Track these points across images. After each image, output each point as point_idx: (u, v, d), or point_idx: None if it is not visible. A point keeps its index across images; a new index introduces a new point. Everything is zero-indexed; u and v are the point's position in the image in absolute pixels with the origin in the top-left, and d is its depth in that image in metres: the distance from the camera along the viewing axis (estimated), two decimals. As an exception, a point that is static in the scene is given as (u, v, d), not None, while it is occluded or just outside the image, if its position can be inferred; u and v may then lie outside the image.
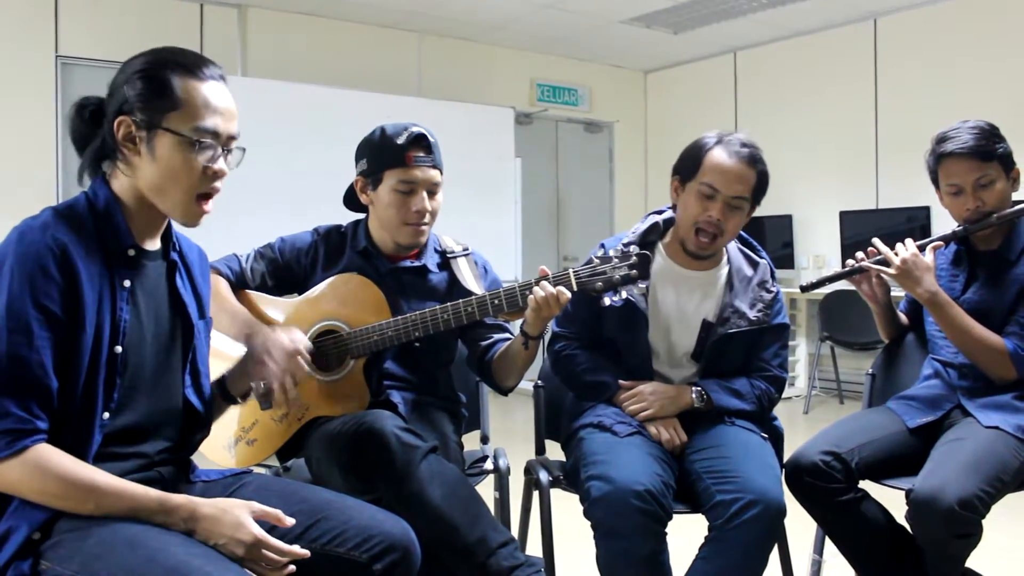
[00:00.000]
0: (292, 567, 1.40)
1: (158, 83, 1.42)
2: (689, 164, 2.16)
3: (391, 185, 2.12)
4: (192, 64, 1.45)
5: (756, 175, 2.13)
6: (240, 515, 1.38)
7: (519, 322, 2.08)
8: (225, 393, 1.72)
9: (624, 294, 1.96)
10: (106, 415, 1.42)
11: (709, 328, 2.19)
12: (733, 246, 2.28)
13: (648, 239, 2.23)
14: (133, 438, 1.49)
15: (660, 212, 2.29)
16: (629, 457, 1.95)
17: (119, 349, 1.43)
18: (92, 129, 1.48)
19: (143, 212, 1.48)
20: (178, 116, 1.42)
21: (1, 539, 1.34)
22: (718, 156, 2.11)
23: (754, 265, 2.26)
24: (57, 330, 1.35)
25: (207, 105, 1.44)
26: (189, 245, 1.67)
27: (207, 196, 1.48)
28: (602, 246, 2.06)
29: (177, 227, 1.61)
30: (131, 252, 1.47)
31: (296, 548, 1.41)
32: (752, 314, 2.18)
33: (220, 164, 1.47)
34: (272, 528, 1.44)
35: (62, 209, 1.43)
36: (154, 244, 1.54)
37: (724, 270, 2.24)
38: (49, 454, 1.33)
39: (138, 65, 1.45)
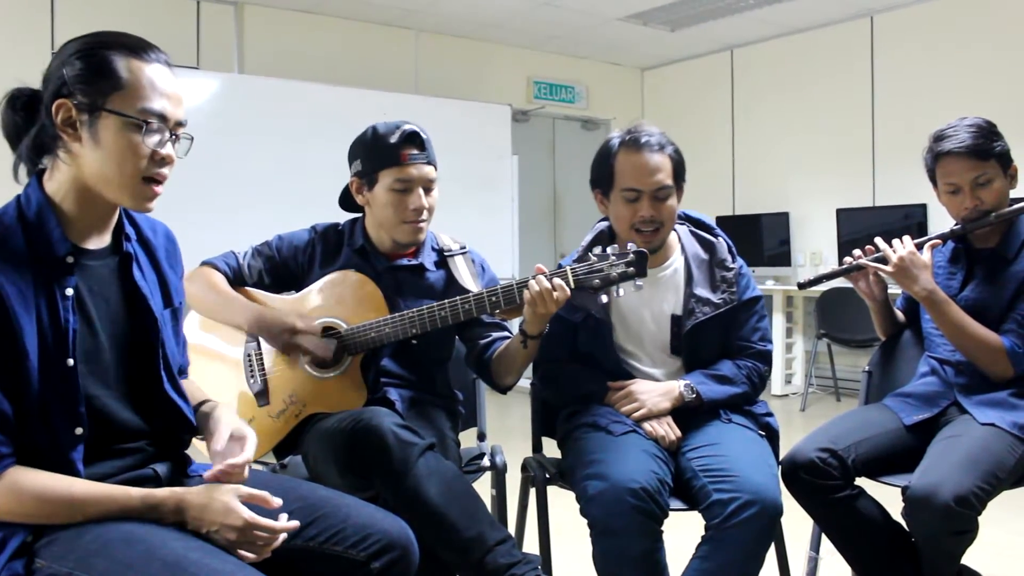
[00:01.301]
0: (283, 535, 1.39)
1: (99, 63, 1.34)
2: (603, 175, 2.19)
3: (387, 185, 2.11)
4: (135, 45, 1.38)
5: (669, 159, 2.14)
6: (228, 500, 1.37)
7: (517, 321, 2.08)
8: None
9: (621, 291, 1.96)
10: (79, 430, 1.37)
11: (678, 322, 2.18)
12: (685, 232, 2.28)
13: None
14: (118, 439, 1.46)
15: (605, 219, 2.30)
16: (625, 455, 1.95)
17: (71, 362, 1.35)
18: (26, 121, 1.39)
19: (87, 209, 1.40)
20: (122, 97, 1.34)
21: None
22: (626, 158, 2.14)
23: (709, 247, 2.24)
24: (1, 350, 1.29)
25: (153, 86, 1.36)
26: (153, 227, 1.58)
27: (155, 180, 1.40)
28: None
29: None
30: (69, 259, 1.38)
31: (285, 523, 1.39)
32: (716, 298, 2.18)
33: (168, 149, 1.40)
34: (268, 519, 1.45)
35: None
36: (102, 241, 1.45)
37: (679, 260, 2.24)
38: (21, 476, 1.31)
39: (76, 47, 1.37)
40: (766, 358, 2.24)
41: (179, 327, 1.63)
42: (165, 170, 1.41)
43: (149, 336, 1.50)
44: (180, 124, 1.42)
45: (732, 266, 2.22)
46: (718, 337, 2.21)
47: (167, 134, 1.40)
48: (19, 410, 1.32)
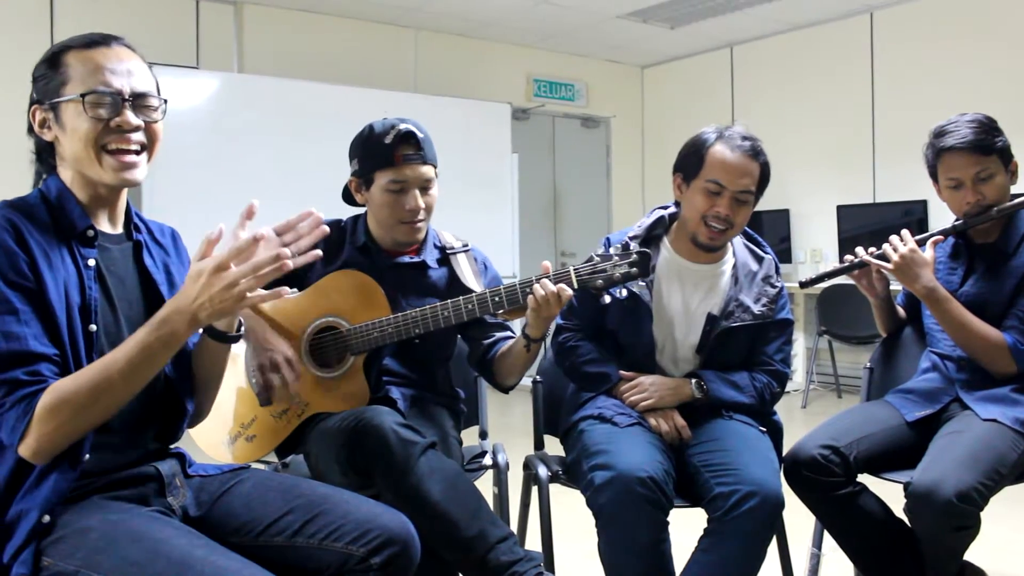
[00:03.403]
0: (285, 257, 1.34)
1: (53, 64, 1.46)
2: (692, 161, 2.16)
3: (382, 185, 2.10)
4: (86, 39, 1.48)
5: (759, 167, 2.14)
6: (196, 267, 1.33)
7: (519, 321, 2.08)
8: (214, 332, 1.56)
9: (626, 291, 1.96)
10: None
11: (713, 321, 2.19)
12: (739, 241, 2.29)
13: (653, 233, 2.23)
14: (120, 424, 1.47)
15: (665, 207, 2.30)
16: (631, 445, 1.96)
17: (93, 328, 1.42)
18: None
19: (92, 194, 1.49)
20: (72, 86, 1.44)
21: (13, 522, 1.34)
22: (721, 152, 2.12)
23: (759, 260, 2.27)
24: (37, 302, 1.35)
25: (97, 67, 1.44)
26: (160, 228, 1.66)
27: (120, 151, 1.45)
28: (607, 241, 2.06)
29: (146, 210, 1.61)
30: (90, 232, 1.47)
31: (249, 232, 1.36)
32: (756, 308, 2.19)
33: (127, 117, 1.45)
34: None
35: (14, 201, 1.45)
36: (115, 228, 1.54)
37: (729, 264, 2.25)
38: (53, 388, 1.31)
39: (40, 60, 1.49)
40: (782, 379, 2.25)
41: None
42: (132, 136, 1.46)
43: None
44: (139, 95, 1.47)
45: (776, 284, 2.24)
46: (743, 347, 2.22)
47: (119, 105, 1.45)
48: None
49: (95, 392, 1.32)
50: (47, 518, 1.34)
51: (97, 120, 1.43)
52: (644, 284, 2.00)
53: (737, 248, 2.28)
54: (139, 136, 1.47)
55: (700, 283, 2.22)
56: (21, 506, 1.34)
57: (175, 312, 1.34)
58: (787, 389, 6.91)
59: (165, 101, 1.52)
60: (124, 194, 1.55)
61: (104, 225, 1.52)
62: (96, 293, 1.44)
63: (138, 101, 1.47)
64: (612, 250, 1.97)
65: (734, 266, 2.24)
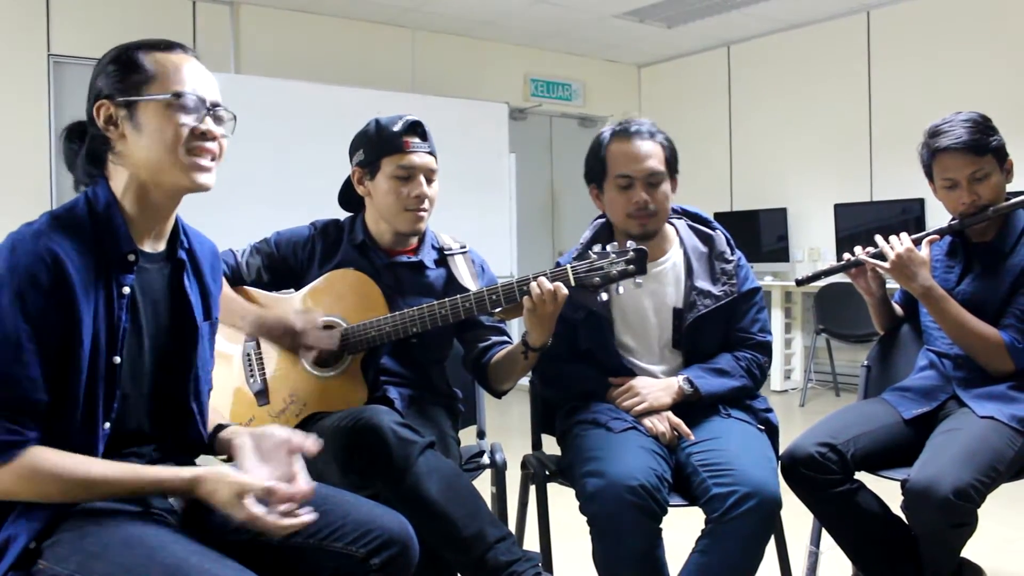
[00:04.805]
0: (306, 517, 1.36)
1: (128, 63, 1.42)
2: (596, 167, 2.21)
3: (389, 172, 2.12)
4: (159, 43, 1.46)
5: (660, 146, 2.16)
6: (231, 497, 1.34)
7: (518, 325, 2.07)
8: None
9: (621, 289, 1.96)
10: (107, 425, 1.40)
11: (680, 316, 2.19)
12: (683, 226, 2.28)
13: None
14: (134, 442, 1.47)
15: (603, 217, 2.31)
16: (623, 452, 1.95)
17: (117, 360, 1.40)
18: (80, 147, 1.46)
19: (145, 209, 1.45)
20: (154, 85, 1.41)
21: (2, 548, 1.33)
22: (617, 147, 2.16)
23: (707, 239, 2.26)
24: (49, 341, 1.32)
25: (179, 71, 1.43)
26: (201, 242, 1.62)
27: (200, 155, 1.44)
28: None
29: (189, 224, 1.58)
30: (131, 257, 1.43)
31: (296, 488, 1.37)
32: (717, 290, 2.18)
33: (208, 125, 1.44)
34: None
35: (60, 213, 1.40)
36: (157, 247, 1.51)
37: (679, 254, 2.24)
38: (40, 455, 1.31)
39: (108, 57, 1.46)
40: (766, 349, 2.25)
41: (213, 341, 1.65)
42: (210, 145, 1.46)
43: (187, 346, 1.54)
44: (216, 104, 1.47)
45: (731, 258, 2.22)
46: (719, 330, 2.21)
47: (203, 112, 1.44)
48: (62, 399, 1.34)
49: (68, 487, 1.33)
50: (33, 544, 1.33)
51: (183, 125, 1.41)
52: (601, 300, 1.98)
53: (683, 234, 2.27)
54: (214, 146, 1.46)
55: (655, 280, 2.21)
56: (10, 532, 1.33)
57: (187, 487, 1.36)
58: (785, 388, 6.85)
59: (235, 117, 1.50)
60: (176, 211, 1.52)
61: (147, 243, 1.48)
62: (125, 323, 1.42)
63: (216, 111, 1.46)
64: (608, 247, 1.97)
65: (684, 253, 2.24)
